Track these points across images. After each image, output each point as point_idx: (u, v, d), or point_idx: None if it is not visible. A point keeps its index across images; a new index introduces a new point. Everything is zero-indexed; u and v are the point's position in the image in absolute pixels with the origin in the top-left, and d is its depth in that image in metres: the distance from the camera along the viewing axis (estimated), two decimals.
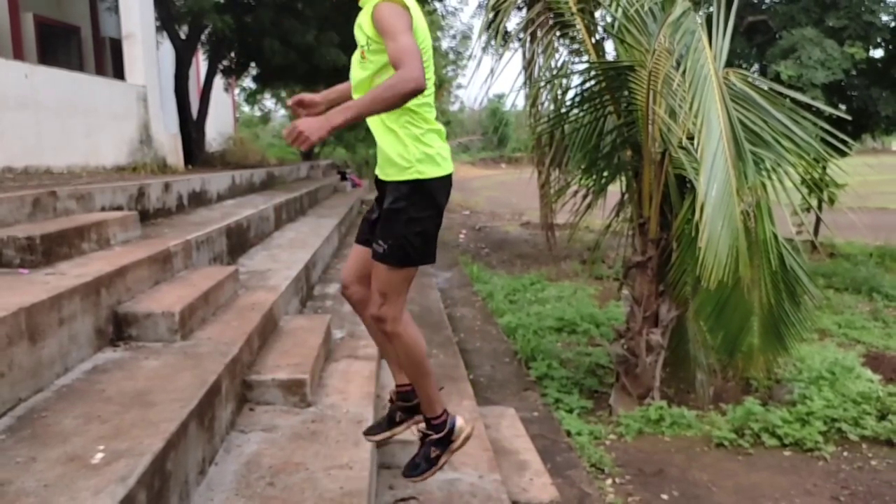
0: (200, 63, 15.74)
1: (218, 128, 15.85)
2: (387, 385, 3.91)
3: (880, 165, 10.23)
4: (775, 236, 5.17)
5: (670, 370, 6.31)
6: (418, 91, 2.03)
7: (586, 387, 6.58)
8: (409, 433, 2.64)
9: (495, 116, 42.87)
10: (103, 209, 4.48)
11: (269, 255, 5.69)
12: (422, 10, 2.30)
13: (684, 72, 4.69)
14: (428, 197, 2.26)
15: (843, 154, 5.49)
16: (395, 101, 2.03)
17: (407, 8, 2.15)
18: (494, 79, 6.37)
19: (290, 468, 2.55)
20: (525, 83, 6.56)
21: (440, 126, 2.31)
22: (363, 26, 2.23)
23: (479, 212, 21.11)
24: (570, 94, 6.28)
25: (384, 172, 2.31)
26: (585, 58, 6.20)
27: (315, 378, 3.39)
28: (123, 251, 3.68)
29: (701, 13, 9.80)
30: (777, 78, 9.91)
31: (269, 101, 27.75)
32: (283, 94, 24.39)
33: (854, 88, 11.78)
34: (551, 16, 6.09)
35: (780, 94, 5.38)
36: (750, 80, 5.39)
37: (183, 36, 11.36)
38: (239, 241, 5.51)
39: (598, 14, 6.25)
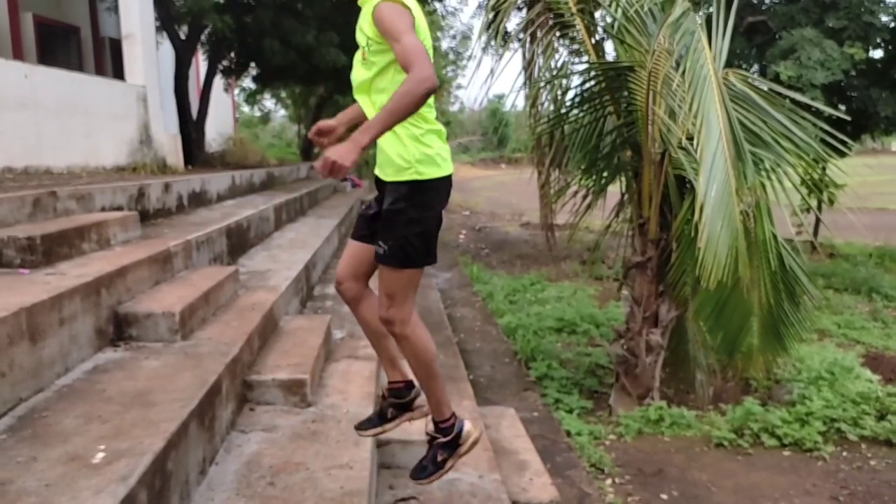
0: (200, 63, 15.74)
1: (218, 128, 15.85)
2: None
3: (880, 166, 10.23)
4: (775, 237, 5.18)
5: (670, 370, 6.31)
6: (433, 90, 2.02)
7: (586, 387, 6.59)
8: (402, 431, 2.65)
9: (495, 117, 42.90)
10: (103, 209, 4.48)
11: (270, 255, 5.69)
12: (422, 10, 2.30)
13: (684, 72, 4.69)
14: (428, 198, 2.26)
15: (842, 154, 5.50)
16: (414, 106, 2.02)
17: (407, 7, 2.15)
18: (494, 79, 6.38)
19: (291, 468, 2.55)
20: (525, 83, 6.57)
21: (440, 126, 2.31)
22: (363, 27, 2.23)
23: (479, 212, 21.12)
24: (570, 94, 6.29)
25: (384, 172, 2.31)
26: (585, 58, 6.21)
27: (315, 378, 3.39)
28: (124, 251, 3.68)
29: (701, 14, 9.82)
30: (777, 78, 9.92)
31: (268, 102, 27.76)
32: (283, 93, 24.44)
33: (853, 89, 11.79)
34: (551, 16, 6.10)
35: (780, 94, 5.38)
36: (749, 80, 5.40)
37: (183, 36, 11.36)
38: (239, 241, 5.52)
39: (597, 14, 6.26)
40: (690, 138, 4.74)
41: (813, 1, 11.24)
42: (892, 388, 6.06)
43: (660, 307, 6.00)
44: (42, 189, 4.05)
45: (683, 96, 4.67)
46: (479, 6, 16.03)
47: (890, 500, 4.61)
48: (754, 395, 6.15)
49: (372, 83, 2.25)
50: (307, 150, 22.39)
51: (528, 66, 6.41)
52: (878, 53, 12.22)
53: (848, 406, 5.64)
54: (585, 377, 6.77)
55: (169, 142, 8.84)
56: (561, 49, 6.51)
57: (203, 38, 11.91)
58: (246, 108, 28.32)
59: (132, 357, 2.87)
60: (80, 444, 2.00)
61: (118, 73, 9.58)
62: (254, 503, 2.30)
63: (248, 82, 20.04)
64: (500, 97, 36.70)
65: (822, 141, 5.16)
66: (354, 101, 2.39)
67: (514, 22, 6.92)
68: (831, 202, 9.72)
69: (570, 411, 5.90)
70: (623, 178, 6.19)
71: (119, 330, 3.05)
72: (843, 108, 11.76)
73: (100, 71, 11.87)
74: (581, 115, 6.11)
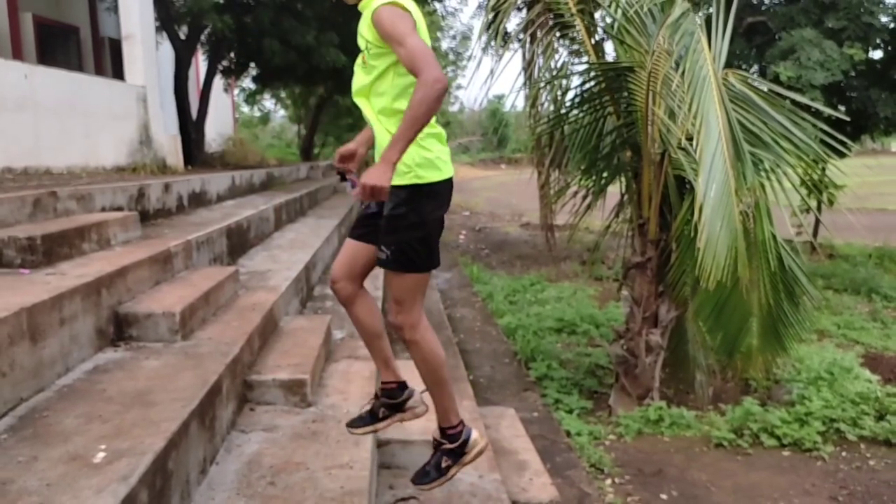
0: (200, 63, 15.75)
1: (217, 128, 15.85)
2: None
3: (879, 166, 10.24)
4: (774, 237, 5.18)
5: (669, 371, 6.32)
6: (446, 89, 2.02)
7: (586, 387, 6.59)
8: (402, 430, 2.65)
9: (495, 117, 42.94)
10: (104, 209, 4.49)
11: (270, 255, 5.69)
12: (422, 11, 2.30)
13: (683, 73, 4.70)
14: (429, 202, 2.26)
15: (841, 155, 5.50)
16: (432, 110, 2.02)
17: (407, 10, 2.15)
18: (494, 79, 6.39)
19: (291, 468, 2.55)
20: (525, 84, 6.57)
21: (440, 129, 2.31)
22: (363, 31, 2.23)
23: (479, 213, 21.13)
24: (570, 94, 6.30)
25: None
26: (585, 59, 6.21)
27: (315, 378, 3.39)
28: (124, 251, 3.69)
29: (700, 14, 9.83)
30: (776, 79, 9.93)
31: (268, 102, 27.77)
32: (283, 94, 24.44)
33: (853, 89, 11.79)
34: (551, 17, 6.10)
35: (780, 95, 5.39)
36: (749, 81, 5.41)
37: (182, 36, 11.36)
38: (239, 241, 5.52)
39: (597, 15, 6.26)
40: (690, 139, 4.75)
41: (813, 1, 11.25)
42: (892, 388, 6.07)
43: (659, 307, 6.01)
44: (42, 189, 4.05)
45: (683, 97, 4.67)
46: (479, 6, 16.05)
47: (889, 499, 4.62)
48: (754, 395, 6.15)
49: (371, 87, 2.26)
50: (307, 151, 22.41)
51: (528, 66, 6.42)
52: (877, 54, 12.23)
53: (847, 406, 5.64)
54: (585, 377, 6.78)
55: (169, 142, 8.84)
56: (561, 49, 6.52)
57: (203, 38, 11.91)
58: (246, 109, 28.33)
59: (132, 357, 2.87)
60: (80, 443, 2.00)
61: (118, 74, 9.59)
62: (254, 503, 2.31)
63: (247, 82, 20.04)
64: (500, 97, 36.77)
65: (822, 141, 5.17)
66: (353, 101, 2.39)
67: (513, 22, 6.93)
68: (831, 203, 9.74)
69: (570, 411, 5.91)
70: (623, 179, 6.20)
71: (119, 330, 3.06)
72: (842, 108, 11.76)
73: (99, 71, 11.87)
74: (581, 115, 6.11)
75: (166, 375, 2.65)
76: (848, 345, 7.89)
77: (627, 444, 5.36)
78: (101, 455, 1.93)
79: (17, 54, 9.80)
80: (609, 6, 5.78)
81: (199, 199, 6.58)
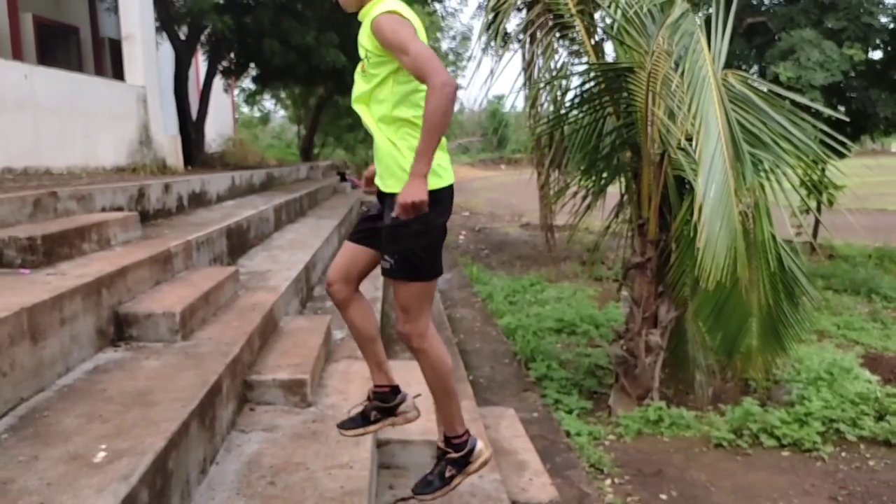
0: (200, 64, 15.75)
1: (217, 129, 15.85)
2: None
3: (879, 167, 10.25)
4: (774, 237, 5.18)
5: (669, 371, 6.32)
6: (456, 90, 2.02)
7: (586, 388, 6.60)
8: (401, 430, 2.64)
9: (495, 118, 42.94)
10: (104, 210, 4.49)
11: (269, 255, 5.70)
12: (422, 11, 2.30)
13: (683, 73, 4.70)
14: (431, 209, 2.24)
15: (841, 156, 5.50)
16: (448, 114, 2.03)
17: (406, 18, 2.15)
18: (494, 80, 6.40)
19: (291, 468, 2.56)
20: (525, 84, 6.58)
21: None
22: (362, 41, 2.24)
23: (479, 213, 21.13)
24: (570, 95, 6.30)
25: (385, 184, 2.30)
26: (585, 59, 6.22)
27: (315, 378, 3.40)
28: (124, 252, 3.69)
29: (700, 15, 9.84)
30: (776, 79, 9.93)
31: (268, 102, 27.76)
32: (283, 94, 24.45)
33: (853, 90, 11.80)
34: (551, 17, 6.11)
35: (779, 95, 5.39)
36: (749, 81, 5.41)
37: (182, 37, 11.36)
38: (239, 241, 5.52)
39: (597, 15, 6.27)
40: (689, 139, 4.75)
41: (812, 2, 11.26)
42: (891, 388, 6.07)
43: (659, 308, 6.01)
44: (42, 189, 4.06)
45: (682, 97, 4.68)
46: (479, 7, 16.06)
47: (889, 500, 4.62)
48: (753, 395, 6.16)
49: (371, 94, 2.26)
50: (307, 151, 22.41)
51: (528, 66, 6.43)
52: (877, 54, 12.23)
53: (847, 406, 5.65)
54: (585, 378, 6.78)
55: (169, 142, 8.85)
56: (560, 50, 6.53)
57: (203, 38, 11.92)
58: (245, 109, 28.32)
59: (133, 357, 2.87)
60: (81, 443, 2.01)
61: (118, 74, 9.59)
62: (254, 503, 2.31)
63: (247, 83, 20.03)
64: (500, 98, 36.77)
65: (822, 142, 5.17)
66: (353, 108, 2.39)
67: (513, 23, 6.93)
68: (830, 203, 9.74)
69: (570, 412, 5.91)
70: (622, 179, 6.20)
71: (119, 330, 3.06)
72: (842, 109, 11.77)
73: (99, 71, 11.88)
74: (581, 115, 6.12)
75: (166, 375, 2.65)
76: (848, 345, 7.90)
77: (627, 445, 5.36)
78: (102, 455, 1.93)
79: (17, 54, 9.80)
80: (609, 7, 5.78)
81: (199, 200, 6.58)
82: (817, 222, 10.65)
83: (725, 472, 4.95)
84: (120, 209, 4.70)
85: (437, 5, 15.31)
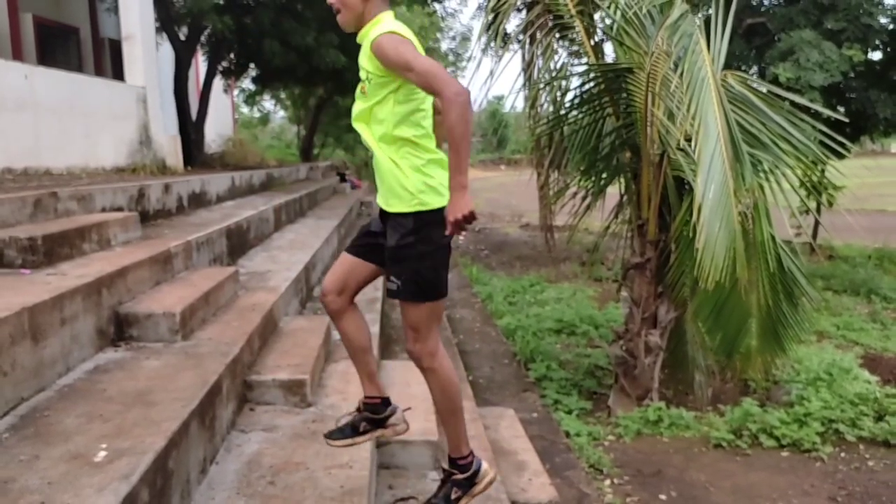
0: (200, 64, 15.75)
1: (217, 129, 15.86)
2: (386, 386, 3.92)
3: (878, 168, 10.26)
4: (773, 238, 5.19)
5: (669, 371, 6.32)
6: (469, 96, 2.03)
7: (585, 388, 6.60)
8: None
9: (495, 118, 42.97)
10: (104, 210, 4.50)
11: (269, 256, 5.70)
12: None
13: (682, 74, 4.71)
14: (436, 229, 2.25)
15: (840, 156, 5.51)
16: (469, 121, 2.04)
17: (405, 36, 2.16)
18: (494, 80, 6.41)
19: (291, 467, 2.56)
20: (524, 85, 6.59)
21: (441, 155, 2.30)
22: (362, 63, 2.24)
23: (479, 213, 21.02)
24: (570, 95, 6.32)
25: (387, 203, 2.30)
26: (584, 60, 6.23)
27: (315, 378, 3.40)
28: (124, 252, 3.69)
29: (700, 15, 9.85)
30: (775, 80, 9.94)
31: (268, 103, 27.77)
32: (282, 95, 24.46)
33: (852, 90, 11.81)
34: (550, 18, 6.11)
35: (779, 96, 5.40)
36: (748, 82, 5.42)
37: (182, 37, 11.36)
38: (239, 242, 5.53)
39: (596, 16, 6.27)
40: (689, 140, 4.76)
41: (812, 3, 11.27)
42: (891, 389, 6.08)
43: (659, 308, 6.01)
44: (43, 190, 4.06)
45: (682, 98, 4.69)
46: (479, 8, 16.07)
47: (888, 500, 4.63)
48: (753, 396, 6.16)
49: (371, 113, 2.26)
50: (307, 152, 22.41)
51: (528, 67, 6.44)
52: (876, 55, 12.25)
53: (846, 407, 5.65)
54: (584, 378, 6.78)
55: (168, 143, 8.85)
56: (560, 50, 6.54)
57: (203, 39, 11.92)
58: (245, 110, 28.33)
59: (133, 357, 2.88)
60: (81, 442, 2.01)
61: (118, 74, 9.59)
62: (254, 502, 2.32)
63: (247, 83, 20.05)
64: (500, 98, 36.81)
65: (821, 143, 5.18)
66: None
67: (513, 23, 6.95)
68: (830, 204, 9.75)
69: (570, 412, 5.91)
70: (622, 180, 6.21)
71: (120, 330, 3.06)
72: (841, 109, 11.78)
73: (99, 72, 11.88)
74: (580, 116, 6.12)
75: (166, 375, 2.65)
76: (847, 346, 7.90)
77: (626, 445, 5.37)
78: (103, 454, 1.94)
79: (18, 55, 9.81)
80: (608, 7, 5.79)
81: (198, 200, 6.59)
82: (817, 223, 10.66)
83: (725, 472, 4.96)
84: (120, 209, 4.70)
85: (437, 6, 15.33)
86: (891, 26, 11.66)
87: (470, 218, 2.08)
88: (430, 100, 2.28)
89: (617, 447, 5.33)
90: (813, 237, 11.53)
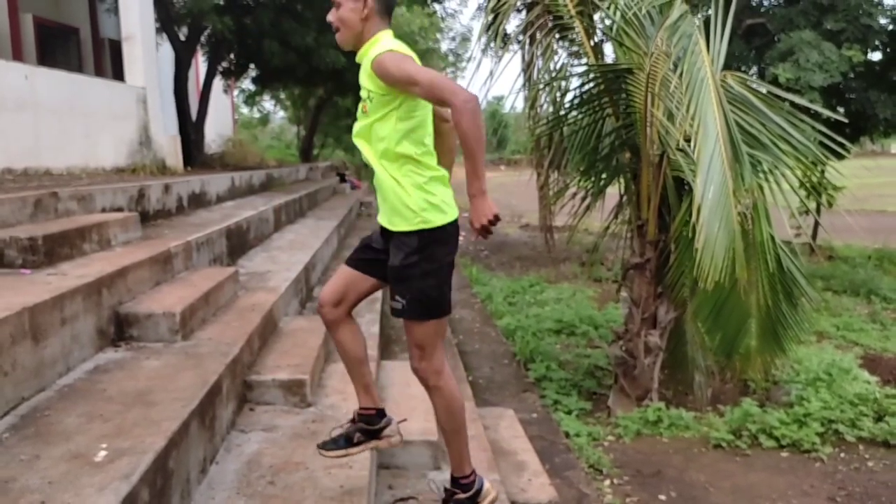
0: (200, 65, 15.76)
1: (217, 129, 15.86)
2: (386, 386, 3.94)
3: (878, 168, 10.26)
4: (773, 238, 5.19)
5: (668, 372, 6.32)
6: (478, 101, 2.04)
7: (585, 388, 6.60)
8: (401, 431, 2.65)
9: (494, 118, 42.95)
10: (104, 210, 4.50)
11: (269, 256, 5.70)
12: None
13: (681, 75, 4.71)
14: (439, 247, 2.27)
15: (840, 157, 5.51)
16: (481, 127, 2.05)
17: (406, 53, 2.18)
18: (494, 81, 6.42)
19: (291, 467, 2.56)
20: (524, 85, 6.59)
21: (443, 172, 2.31)
22: (363, 82, 2.25)
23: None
24: (569, 96, 6.31)
25: (391, 222, 2.30)
26: (584, 60, 6.23)
27: (315, 378, 3.40)
28: (124, 252, 3.70)
29: (699, 16, 9.86)
30: (775, 80, 9.94)
31: (267, 103, 27.78)
32: (282, 95, 24.46)
33: (852, 91, 11.81)
34: (550, 18, 6.12)
35: (778, 96, 5.40)
36: (748, 82, 5.42)
37: (182, 37, 11.37)
38: (239, 242, 5.53)
39: (596, 17, 6.27)
40: (688, 140, 4.76)
41: (811, 3, 11.27)
42: (890, 389, 6.08)
43: (658, 308, 6.01)
44: (43, 190, 4.07)
45: (681, 98, 4.69)
46: (479, 8, 16.07)
47: (887, 500, 4.63)
48: (752, 396, 6.16)
49: (371, 130, 2.26)
50: (306, 152, 22.42)
51: (528, 67, 6.44)
52: (876, 56, 12.26)
53: (846, 407, 5.65)
54: (584, 378, 6.78)
55: (168, 143, 8.86)
56: (560, 51, 6.54)
57: (203, 39, 11.93)
58: (245, 110, 28.35)
59: (133, 357, 2.88)
60: (82, 442, 2.02)
61: (118, 75, 9.60)
62: (254, 502, 2.32)
63: (247, 84, 20.06)
64: (500, 99, 36.85)
65: (821, 143, 5.18)
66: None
67: (513, 24, 6.95)
68: (830, 205, 9.75)
69: (569, 412, 5.91)
70: (622, 180, 6.21)
71: (120, 330, 3.07)
72: (841, 110, 11.78)
73: (99, 72, 11.88)
74: (580, 116, 6.12)
75: (167, 375, 2.66)
76: (847, 346, 7.90)
77: (626, 445, 5.37)
78: (103, 454, 1.94)
79: (18, 55, 9.81)
80: (608, 8, 5.79)
81: (198, 200, 6.59)
82: (817, 223, 10.67)
83: (724, 472, 4.96)
84: (120, 210, 4.71)
85: (437, 6, 15.34)
86: (890, 27, 11.67)
87: (494, 221, 2.10)
88: (430, 117, 2.29)
89: (616, 447, 5.33)
90: (813, 238, 11.55)
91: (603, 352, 7.26)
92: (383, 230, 2.37)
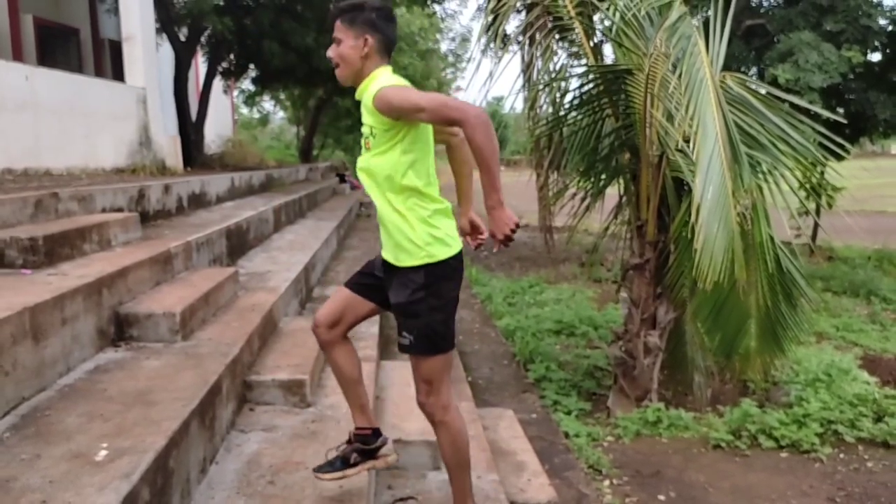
0: (200, 65, 15.77)
1: (217, 130, 15.87)
2: (386, 387, 3.95)
3: (877, 169, 10.28)
4: (772, 239, 5.19)
5: (668, 372, 6.32)
6: (487, 115, 2.05)
7: (584, 389, 6.60)
8: (401, 431, 2.66)
9: (494, 119, 42.80)
10: (104, 210, 4.51)
11: (269, 256, 5.71)
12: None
13: (680, 75, 4.72)
14: (446, 282, 2.27)
15: (840, 158, 5.52)
16: (493, 139, 2.04)
17: (404, 84, 2.19)
18: (493, 81, 6.43)
19: (291, 467, 2.57)
20: (524, 86, 6.60)
21: (446, 204, 2.32)
22: (365, 119, 2.26)
23: (478, 214, 21.11)
24: (569, 97, 6.31)
25: (396, 258, 2.30)
26: (584, 61, 6.23)
27: (315, 379, 3.41)
28: (124, 252, 3.70)
29: (699, 17, 9.86)
30: (774, 81, 9.95)
31: (267, 104, 27.79)
32: (282, 95, 24.47)
33: (851, 92, 11.82)
34: (550, 19, 6.12)
35: (778, 97, 5.40)
36: (747, 83, 5.42)
37: (182, 38, 11.38)
38: (238, 242, 5.54)
39: (596, 18, 6.28)
40: (687, 141, 4.76)
41: (811, 4, 11.28)
42: (890, 390, 6.08)
43: (658, 309, 6.02)
44: (44, 190, 4.07)
45: (680, 99, 4.69)
46: (479, 9, 16.06)
47: (886, 501, 4.63)
48: (752, 396, 6.16)
49: (376, 164, 2.26)
50: (306, 152, 22.42)
51: (527, 68, 6.44)
52: (876, 56, 12.27)
53: (845, 408, 5.65)
54: (584, 379, 6.79)
55: (168, 143, 8.86)
56: (560, 52, 6.54)
57: (203, 39, 11.93)
58: (245, 110, 28.36)
59: (133, 357, 2.89)
60: (82, 442, 2.02)
61: (118, 75, 9.61)
62: (254, 502, 2.32)
63: (247, 84, 20.06)
64: (500, 99, 36.81)
65: (820, 144, 5.18)
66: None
67: (513, 25, 6.96)
68: (830, 205, 9.76)
69: (569, 413, 5.91)
70: (621, 181, 6.21)
71: (120, 330, 3.07)
72: (840, 111, 11.79)
73: (99, 72, 11.89)
74: (579, 117, 6.13)
75: (167, 375, 2.66)
76: (846, 347, 7.90)
77: (626, 446, 5.37)
78: (103, 453, 1.95)
79: (18, 56, 9.82)
80: (607, 9, 5.80)
81: (198, 201, 6.60)
82: (816, 224, 10.68)
83: (724, 473, 4.96)
84: (120, 210, 4.71)
85: (437, 7, 15.35)
86: (890, 28, 11.68)
87: (515, 230, 2.12)
88: (432, 147, 2.30)
89: (616, 448, 5.34)
90: (812, 238, 11.55)
91: (602, 352, 7.27)
92: (387, 265, 2.36)
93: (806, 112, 5.50)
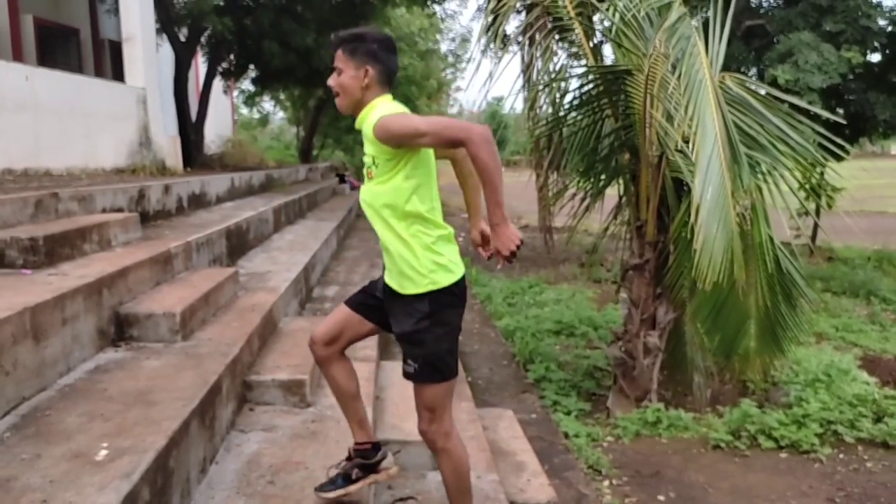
0: (200, 65, 15.77)
1: (217, 130, 15.87)
2: (385, 387, 3.95)
3: (877, 169, 10.28)
4: (771, 239, 5.19)
5: (668, 373, 6.33)
6: (489, 132, 2.05)
7: (584, 389, 6.60)
8: (401, 431, 2.66)
9: (494, 119, 42.95)
10: (104, 211, 4.51)
11: (269, 257, 5.71)
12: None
13: (680, 76, 4.72)
14: (450, 310, 2.27)
15: (839, 158, 5.52)
16: (495, 156, 2.05)
17: (403, 111, 2.20)
18: (493, 82, 6.45)
19: (290, 467, 2.57)
20: (524, 86, 6.60)
21: (448, 230, 2.32)
22: (366, 149, 2.26)
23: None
24: (569, 97, 6.31)
25: (401, 286, 2.29)
26: (583, 61, 6.23)
27: (314, 379, 3.41)
28: (125, 252, 3.71)
29: (698, 17, 9.86)
30: (774, 82, 9.95)
31: (267, 104, 27.79)
32: (282, 96, 24.47)
33: (851, 92, 11.82)
34: (550, 20, 6.12)
35: (777, 98, 5.40)
36: (746, 84, 5.42)
37: (182, 38, 11.38)
38: (238, 242, 5.54)
39: (595, 18, 6.28)
40: (687, 141, 4.77)
41: (811, 5, 11.28)
42: (889, 390, 6.08)
43: (657, 309, 6.02)
44: (44, 190, 4.08)
45: (680, 100, 4.69)
46: (479, 9, 16.08)
47: (886, 501, 4.63)
48: (751, 397, 6.16)
49: (379, 192, 2.26)
50: (306, 153, 22.43)
51: (527, 68, 6.45)
52: (875, 57, 12.26)
53: (845, 408, 5.65)
54: (583, 379, 6.79)
55: (168, 144, 8.87)
56: (559, 52, 6.54)
57: (203, 40, 11.94)
58: (245, 111, 28.36)
59: (133, 357, 2.89)
60: (83, 441, 2.03)
61: (118, 75, 9.61)
62: (254, 501, 2.33)
63: (247, 84, 20.07)
64: (499, 100, 36.88)
65: (820, 145, 5.18)
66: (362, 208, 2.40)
67: (513, 25, 6.97)
68: (829, 206, 9.76)
69: (568, 413, 5.92)
70: (621, 181, 6.21)
71: (120, 330, 3.08)
72: (840, 111, 11.79)
73: (99, 73, 11.89)
74: (579, 117, 6.13)
75: (167, 375, 2.67)
76: (846, 347, 7.90)
77: (625, 446, 5.37)
78: (104, 453, 1.95)
79: (18, 56, 9.82)
80: (607, 10, 5.80)
81: (198, 201, 6.60)
82: (816, 225, 10.68)
83: (723, 473, 4.96)
84: (120, 210, 4.72)
85: (437, 7, 15.36)
86: (889, 28, 11.67)
87: (520, 246, 2.12)
88: (434, 171, 2.30)
89: (616, 448, 5.34)
90: (812, 239, 11.55)
91: (602, 353, 7.27)
92: (390, 290, 2.35)
93: (805, 112, 5.50)
